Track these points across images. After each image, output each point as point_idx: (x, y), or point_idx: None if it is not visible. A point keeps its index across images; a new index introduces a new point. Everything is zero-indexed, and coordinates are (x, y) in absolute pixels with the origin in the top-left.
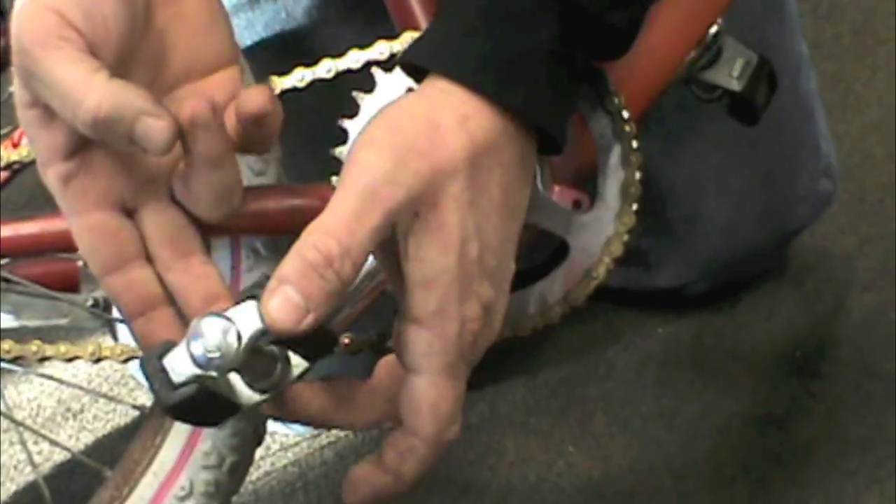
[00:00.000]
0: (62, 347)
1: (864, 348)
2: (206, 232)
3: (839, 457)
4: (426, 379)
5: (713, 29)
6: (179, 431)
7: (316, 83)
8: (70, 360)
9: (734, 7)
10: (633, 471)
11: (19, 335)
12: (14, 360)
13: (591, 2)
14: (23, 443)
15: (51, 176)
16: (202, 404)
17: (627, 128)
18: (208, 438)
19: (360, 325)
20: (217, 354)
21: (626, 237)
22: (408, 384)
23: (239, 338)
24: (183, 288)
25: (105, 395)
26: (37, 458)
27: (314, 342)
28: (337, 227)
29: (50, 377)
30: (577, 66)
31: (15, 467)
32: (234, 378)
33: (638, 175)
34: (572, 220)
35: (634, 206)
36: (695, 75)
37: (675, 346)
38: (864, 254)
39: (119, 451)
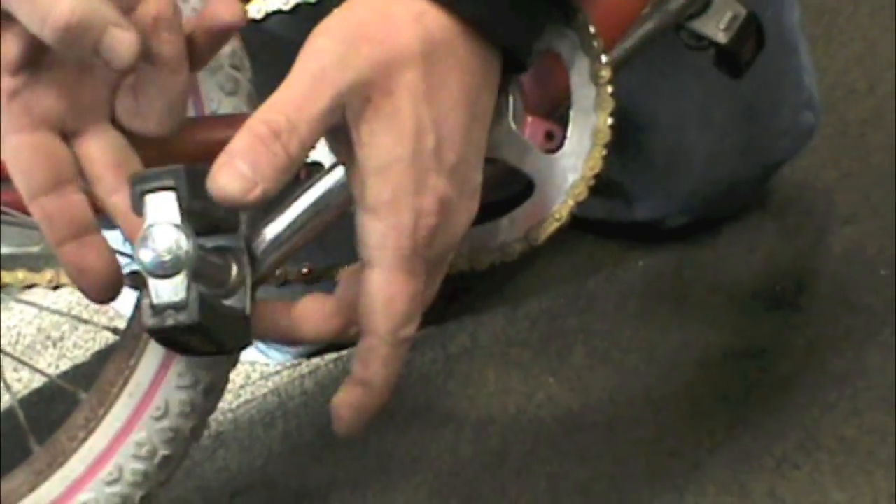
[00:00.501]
0: (20, 274)
1: (843, 282)
2: (148, 163)
3: (818, 389)
4: (380, 273)
5: None
6: (154, 353)
7: (277, 14)
8: (28, 287)
9: None
10: (612, 402)
11: None
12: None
13: None
14: None
15: None
16: (180, 338)
17: (604, 72)
18: (183, 359)
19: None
20: (168, 257)
21: (592, 181)
22: (364, 280)
23: (189, 244)
24: (129, 211)
25: (86, 321)
26: (17, 386)
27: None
28: (285, 105)
29: (30, 303)
30: None
31: None
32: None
33: (610, 121)
34: (540, 158)
35: (603, 151)
36: (683, 23)
37: (656, 279)
38: (844, 187)
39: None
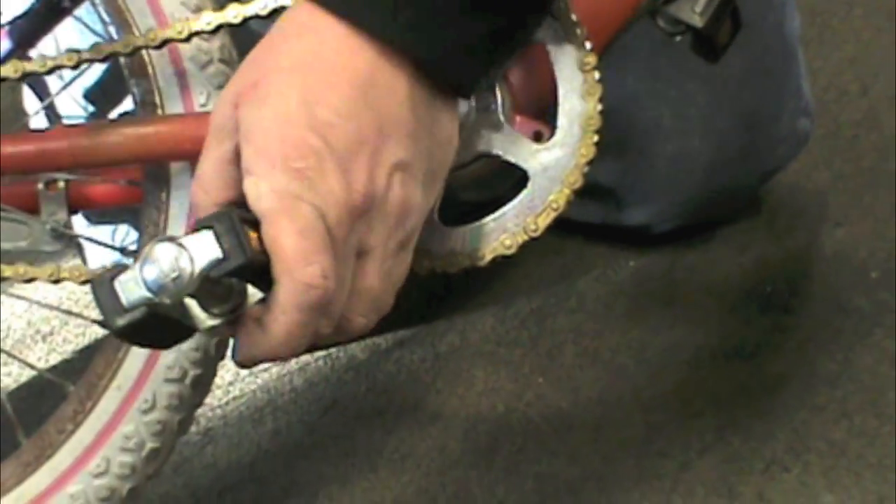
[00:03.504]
0: (20, 268)
1: (834, 284)
2: None
3: (808, 391)
4: (266, 222)
5: None
6: None
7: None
8: (28, 280)
9: None
10: (601, 402)
11: None
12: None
13: None
14: None
15: None
16: (152, 327)
17: (590, 59)
18: (171, 352)
19: None
20: (170, 280)
21: (585, 168)
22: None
23: (192, 264)
24: None
25: (77, 315)
26: (6, 380)
27: (268, 274)
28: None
29: (20, 297)
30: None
31: None
32: (190, 302)
33: (599, 107)
34: (532, 150)
35: (595, 138)
36: (659, 8)
37: (647, 280)
38: (836, 189)
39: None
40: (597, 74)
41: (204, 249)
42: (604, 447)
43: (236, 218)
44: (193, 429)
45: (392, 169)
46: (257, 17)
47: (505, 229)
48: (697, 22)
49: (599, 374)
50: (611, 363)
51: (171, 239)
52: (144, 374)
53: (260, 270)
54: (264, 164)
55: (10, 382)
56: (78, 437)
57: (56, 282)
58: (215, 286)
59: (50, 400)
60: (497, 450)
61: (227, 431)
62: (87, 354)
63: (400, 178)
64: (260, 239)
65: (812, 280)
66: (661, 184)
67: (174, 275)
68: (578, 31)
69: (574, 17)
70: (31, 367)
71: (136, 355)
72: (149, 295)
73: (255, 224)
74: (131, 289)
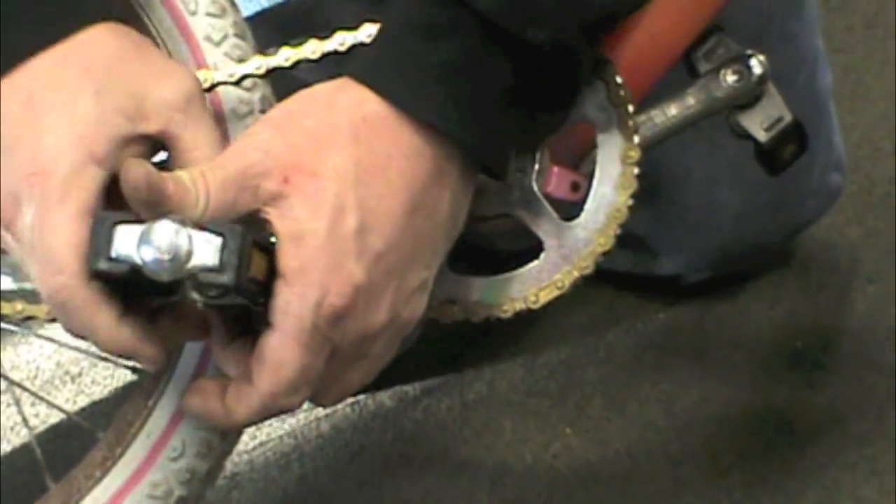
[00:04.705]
0: (18, 305)
1: (866, 341)
2: None
3: (838, 449)
4: (277, 336)
5: (758, 71)
6: (173, 392)
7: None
8: (28, 319)
9: None
10: (629, 455)
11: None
12: (24, 321)
13: (506, 16)
14: (17, 403)
15: None
16: (131, 281)
17: (634, 153)
18: None
19: None
20: (165, 259)
21: (600, 257)
22: (262, 336)
23: (188, 258)
24: None
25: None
26: (34, 421)
27: (260, 291)
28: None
29: (49, 339)
30: (500, 83)
31: (11, 429)
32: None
33: (630, 202)
34: (554, 224)
35: (617, 231)
36: (728, 113)
37: (676, 332)
38: (868, 246)
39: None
40: (636, 170)
41: (205, 251)
42: (631, 501)
43: (249, 240)
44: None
45: (411, 294)
46: (336, 52)
47: (508, 293)
48: (762, 137)
49: (628, 426)
50: (639, 416)
51: (181, 222)
52: (174, 422)
53: (249, 296)
54: (304, 287)
55: (38, 424)
56: (106, 484)
57: (52, 321)
58: (203, 286)
59: (77, 442)
60: (523, 501)
61: (254, 477)
62: (115, 397)
63: (416, 298)
64: (264, 269)
65: (843, 336)
66: (690, 234)
67: (168, 256)
68: (631, 122)
69: (630, 108)
70: (60, 409)
71: (167, 402)
72: (136, 261)
73: (265, 248)
74: (125, 243)
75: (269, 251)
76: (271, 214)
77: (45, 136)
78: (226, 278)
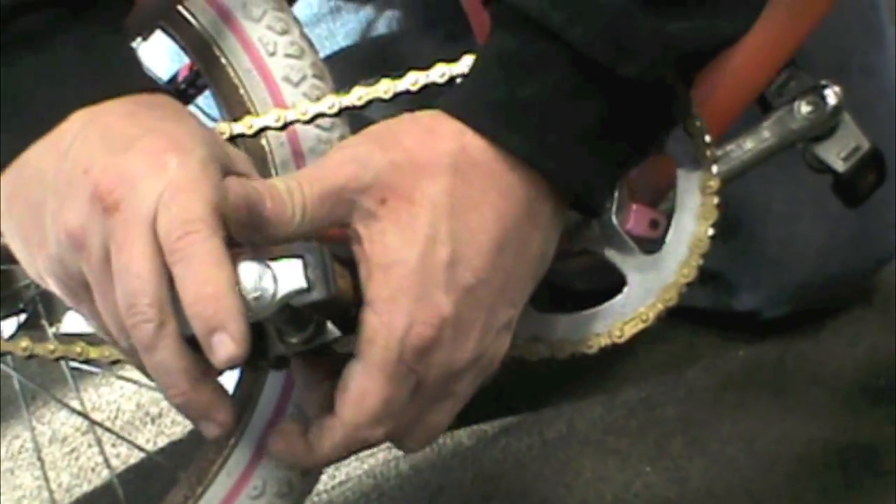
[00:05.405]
0: (23, 343)
1: None
2: None
3: None
4: (361, 366)
5: (832, 101)
6: (253, 431)
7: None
8: (31, 357)
9: (835, 31)
10: (710, 494)
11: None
12: (87, 362)
13: (598, 49)
14: (99, 443)
15: None
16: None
17: (713, 182)
18: None
19: None
20: (251, 299)
21: (684, 289)
22: (347, 366)
23: (276, 287)
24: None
25: None
26: (115, 461)
27: (349, 315)
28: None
29: (129, 380)
30: (592, 117)
31: (93, 469)
32: (265, 325)
33: (711, 231)
34: (636, 258)
35: (700, 261)
36: (805, 145)
37: (756, 370)
38: None
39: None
40: (716, 199)
41: (289, 277)
42: None
43: (327, 253)
44: None
45: (497, 332)
46: (435, 84)
47: (593, 328)
48: (840, 167)
49: (708, 464)
50: (720, 454)
51: (259, 259)
52: (255, 460)
53: (341, 309)
54: (392, 316)
55: (119, 464)
56: None
57: (58, 359)
58: (294, 315)
59: (158, 482)
60: None
61: None
62: (195, 437)
63: (502, 336)
64: (347, 277)
65: None
66: (771, 268)
67: (255, 294)
68: (709, 153)
69: (708, 138)
70: (141, 449)
71: (247, 441)
72: None
73: (344, 262)
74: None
75: (347, 263)
76: (361, 233)
77: None
78: (316, 294)
